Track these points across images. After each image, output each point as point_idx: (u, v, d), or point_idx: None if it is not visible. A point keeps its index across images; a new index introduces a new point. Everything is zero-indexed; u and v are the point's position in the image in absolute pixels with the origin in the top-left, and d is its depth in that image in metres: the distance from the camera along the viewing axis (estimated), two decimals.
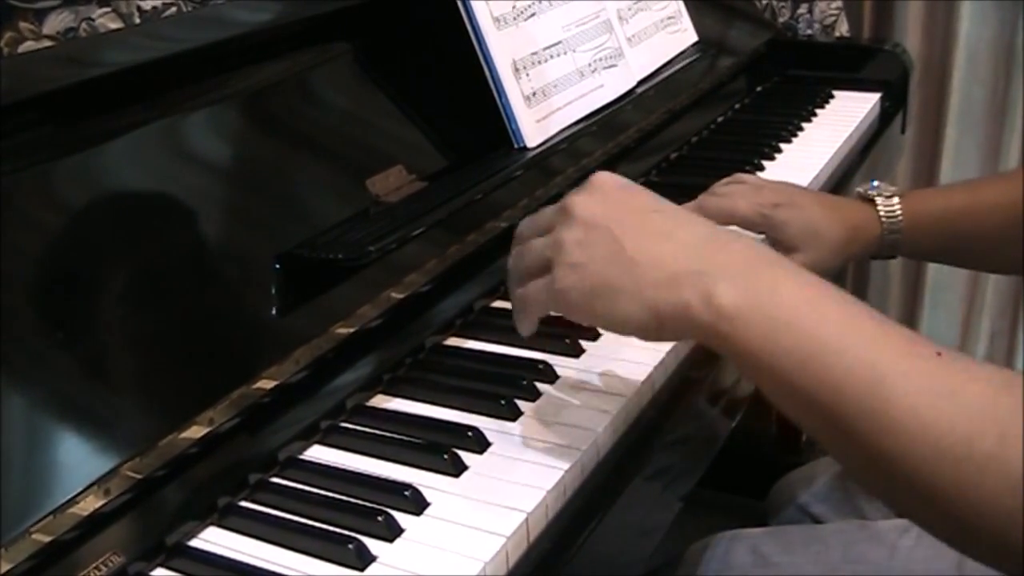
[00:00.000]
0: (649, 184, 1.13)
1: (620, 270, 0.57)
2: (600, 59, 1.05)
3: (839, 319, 0.53)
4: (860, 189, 0.92)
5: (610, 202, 0.60)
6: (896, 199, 0.90)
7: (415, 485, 0.63)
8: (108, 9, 0.83)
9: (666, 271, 0.56)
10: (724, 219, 0.92)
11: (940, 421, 0.48)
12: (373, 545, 0.59)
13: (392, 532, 0.60)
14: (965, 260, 1.00)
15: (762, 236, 0.92)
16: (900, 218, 0.89)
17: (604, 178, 0.62)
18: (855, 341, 0.51)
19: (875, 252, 0.91)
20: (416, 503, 0.62)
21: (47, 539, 0.54)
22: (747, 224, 0.90)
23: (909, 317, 1.92)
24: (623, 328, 0.58)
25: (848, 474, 0.55)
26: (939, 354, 0.51)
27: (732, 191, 0.92)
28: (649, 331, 0.57)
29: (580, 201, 0.60)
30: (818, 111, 1.36)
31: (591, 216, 0.59)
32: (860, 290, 1.95)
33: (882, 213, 0.89)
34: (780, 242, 0.89)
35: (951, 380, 0.50)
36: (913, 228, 0.89)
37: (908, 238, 0.90)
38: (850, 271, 1.92)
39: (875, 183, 0.92)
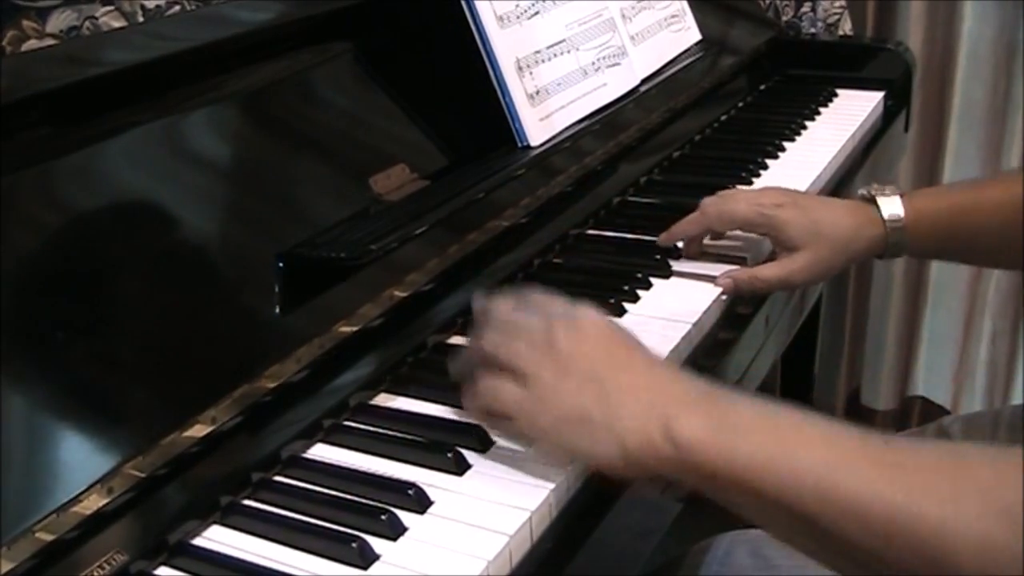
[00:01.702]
0: (651, 183, 1.14)
1: (594, 401, 0.59)
2: (603, 58, 1.05)
3: (792, 425, 0.56)
4: (862, 190, 0.92)
5: (592, 337, 0.63)
6: (898, 198, 0.90)
7: (418, 484, 0.63)
8: (111, 8, 0.83)
9: (638, 408, 0.58)
10: (726, 222, 0.92)
11: (887, 497, 0.51)
12: (376, 544, 0.59)
13: (395, 531, 0.60)
14: (968, 257, 1.00)
15: (763, 237, 0.92)
16: (902, 217, 0.89)
17: (590, 314, 0.65)
18: (808, 441, 0.54)
19: (879, 251, 0.91)
20: (419, 502, 0.62)
21: (50, 538, 0.54)
22: (748, 225, 0.90)
23: (911, 318, 1.92)
24: (586, 457, 0.61)
25: (823, 565, 0.58)
26: (887, 442, 0.54)
27: (733, 194, 0.93)
28: (613, 464, 0.59)
29: (564, 334, 0.63)
30: (821, 110, 1.36)
31: (572, 347, 0.62)
32: (863, 291, 1.94)
33: (884, 212, 0.89)
34: (782, 243, 0.88)
35: (896, 457, 0.53)
36: (916, 226, 0.89)
37: (911, 236, 0.90)
38: (852, 272, 1.91)
39: (875, 184, 0.92)
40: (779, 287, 0.90)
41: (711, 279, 0.89)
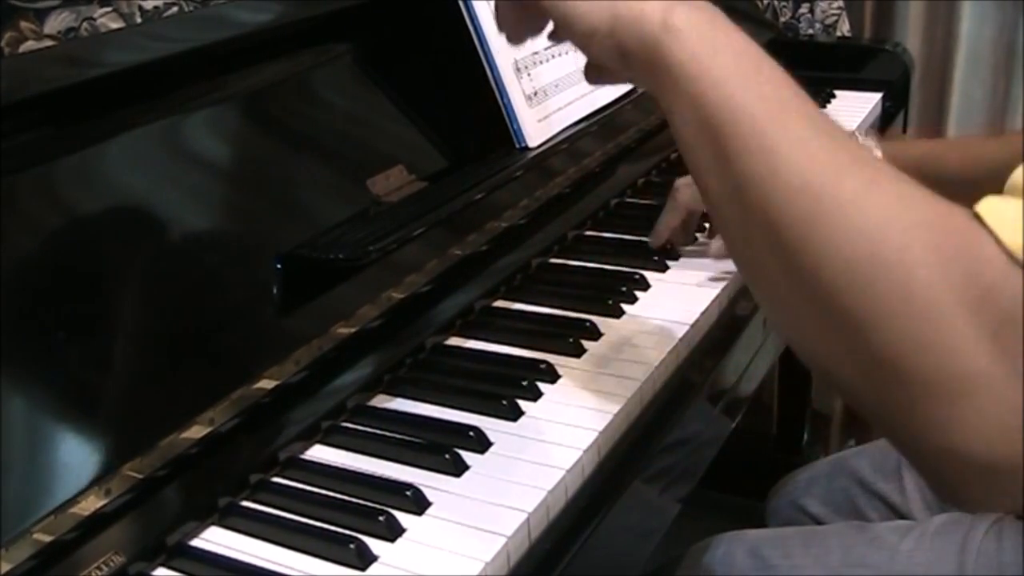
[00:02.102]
0: (649, 184, 1.14)
1: None
2: None
3: (771, 71, 0.54)
4: None
5: None
6: (870, 139, 0.91)
7: (416, 485, 0.63)
8: (109, 9, 0.83)
9: None
10: (702, 205, 0.91)
11: (820, 155, 0.48)
12: (374, 545, 0.59)
13: (393, 532, 0.60)
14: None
15: None
16: (879, 154, 0.90)
17: None
18: (775, 89, 0.53)
19: None
20: (417, 503, 0.62)
21: (48, 539, 0.54)
22: None
23: None
24: (575, 22, 0.57)
25: (713, 211, 0.54)
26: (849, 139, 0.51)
27: None
28: (598, 31, 0.56)
29: None
30: None
31: None
32: None
33: None
34: None
35: (844, 139, 0.50)
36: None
37: None
38: None
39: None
40: None
41: (709, 280, 0.89)
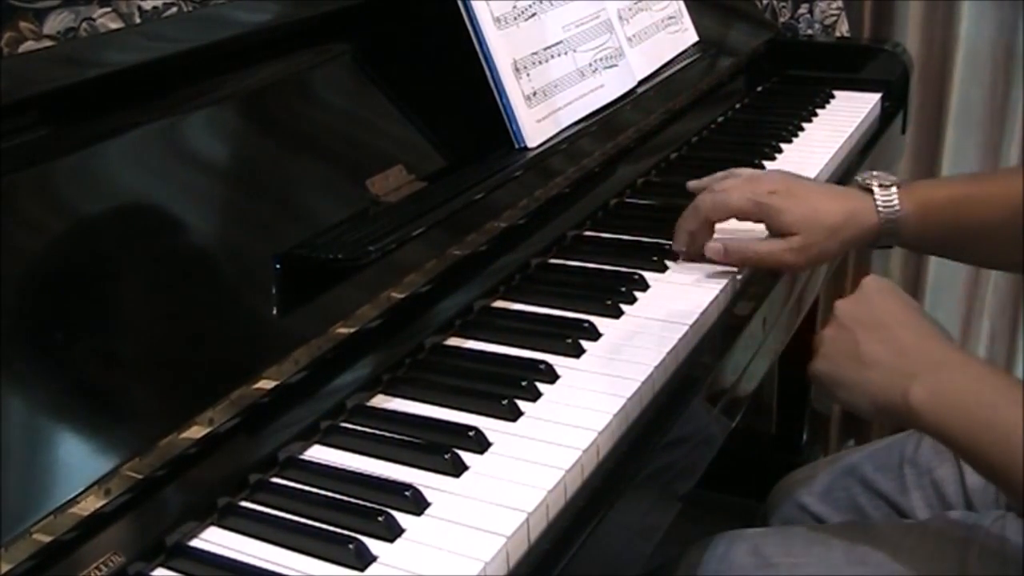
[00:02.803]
0: (649, 184, 1.14)
1: (853, 370, 0.76)
2: (600, 59, 1.05)
3: (996, 407, 0.70)
4: (858, 178, 0.93)
5: (864, 309, 0.78)
6: (894, 188, 0.90)
7: (415, 485, 0.63)
8: (108, 9, 0.83)
9: (883, 376, 0.74)
10: (720, 212, 0.91)
11: None
12: (373, 545, 0.59)
13: (392, 532, 0.60)
14: (964, 253, 1.00)
15: (762, 225, 0.92)
16: (897, 207, 0.90)
17: (870, 286, 0.80)
18: (1007, 440, 0.68)
19: (873, 240, 0.91)
20: (416, 503, 0.62)
21: (48, 539, 0.54)
22: (743, 215, 0.90)
23: None
24: (853, 410, 0.78)
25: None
26: None
27: (726, 185, 0.92)
28: (871, 416, 0.78)
29: (845, 305, 0.79)
30: (818, 111, 1.36)
31: (847, 320, 0.77)
32: None
33: (879, 202, 0.90)
34: (776, 229, 0.89)
35: None
36: (912, 217, 0.90)
37: (906, 227, 0.90)
38: (850, 273, 1.91)
39: (874, 172, 0.93)
40: (770, 263, 0.90)
41: (709, 280, 0.89)
